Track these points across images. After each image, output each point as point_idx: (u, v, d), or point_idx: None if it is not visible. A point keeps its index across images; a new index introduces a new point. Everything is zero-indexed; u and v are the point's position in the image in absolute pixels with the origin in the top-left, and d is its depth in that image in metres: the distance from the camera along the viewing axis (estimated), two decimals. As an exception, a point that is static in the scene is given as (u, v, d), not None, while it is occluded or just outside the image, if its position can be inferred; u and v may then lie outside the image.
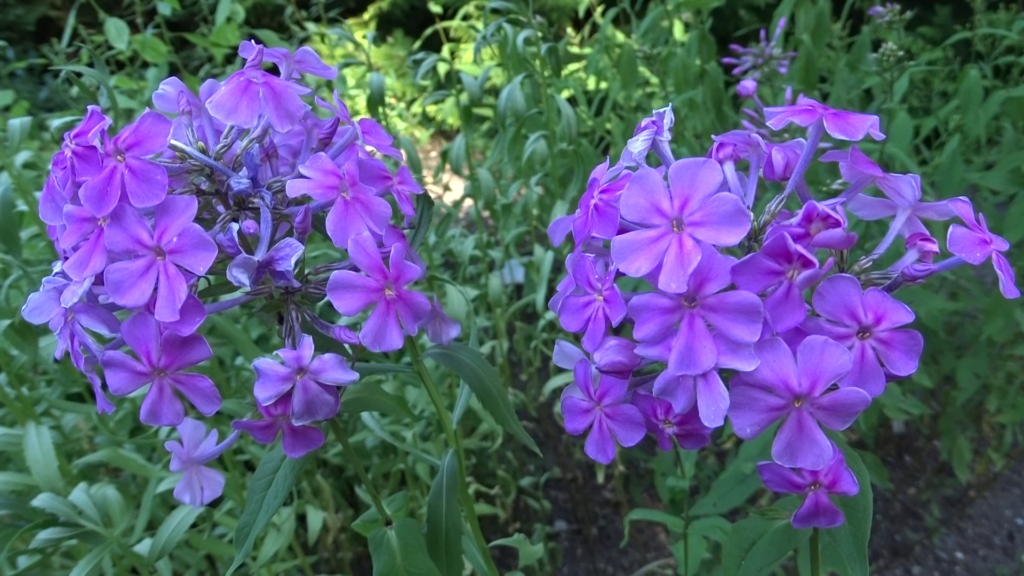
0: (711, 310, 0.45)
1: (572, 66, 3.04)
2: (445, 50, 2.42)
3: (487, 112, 2.93)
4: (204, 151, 0.55)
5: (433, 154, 4.85)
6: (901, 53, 1.50)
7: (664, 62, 1.99)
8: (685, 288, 0.44)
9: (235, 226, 0.51)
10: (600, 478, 1.88)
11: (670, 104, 0.57)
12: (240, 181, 0.53)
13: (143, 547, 1.20)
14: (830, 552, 0.99)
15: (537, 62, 1.61)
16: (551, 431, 2.20)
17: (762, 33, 1.71)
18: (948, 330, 2.00)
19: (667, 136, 0.55)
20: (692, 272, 0.44)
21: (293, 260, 0.50)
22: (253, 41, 0.59)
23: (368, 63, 1.67)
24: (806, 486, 0.49)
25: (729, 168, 0.57)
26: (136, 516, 1.30)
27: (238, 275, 0.49)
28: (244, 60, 0.58)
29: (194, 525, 1.43)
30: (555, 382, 1.83)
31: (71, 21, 1.92)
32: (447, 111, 4.43)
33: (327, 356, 0.50)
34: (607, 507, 2.24)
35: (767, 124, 0.53)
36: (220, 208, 0.57)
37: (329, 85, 1.87)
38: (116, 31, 1.80)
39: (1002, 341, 1.78)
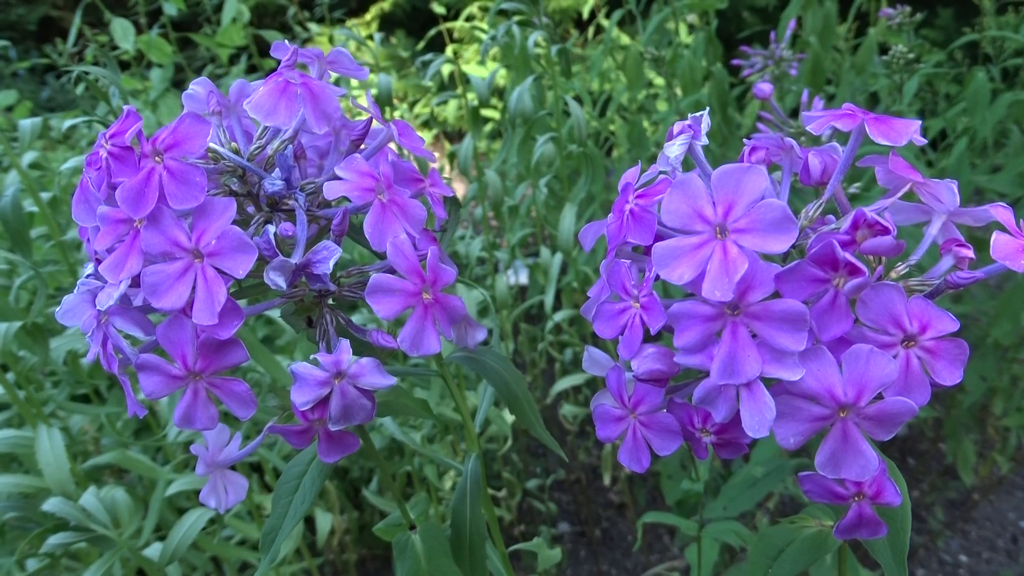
0: (755, 318, 0.45)
1: (574, 67, 3.04)
2: (448, 51, 2.42)
3: (491, 114, 2.93)
4: (237, 152, 0.54)
5: (436, 155, 4.83)
6: (911, 56, 1.50)
7: (671, 64, 1.99)
8: (731, 296, 0.44)
9: (271, 228, 0.50)
10: (607, 480, 1.87)
11: (707, 108, 0.57)
12: (274, 183, 0.52)
13: (152, 551, 1.19)
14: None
15: (544, 63, 1.61)
16: (556, 433, 2.20)
17: (771, 35, 1.71)
18: (953, 333, 2.00)
19: (704, 140, 0.55)
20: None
21: (331, 263, 0.49)
22: (284, 41, 0.58)
23: (376, 63, 1.67)
24: (849, 497, 0.48)
25: (763, 173, 0.56)
26: (144, 518, 1.29)
27: (275, 278, 0.48)
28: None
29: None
30: (561, 384, 1.83)
31: (76, 21, 1.91)
32: (448, 112, 4.42)
33: (365, 360, 0.50)
34: (611, 509, 2.24)
35: (807, 128, 0.52)
36: (250, 209, 0.56)
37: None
38: (122, 31, 1.79)
39: (1008, 344, 1.78)
